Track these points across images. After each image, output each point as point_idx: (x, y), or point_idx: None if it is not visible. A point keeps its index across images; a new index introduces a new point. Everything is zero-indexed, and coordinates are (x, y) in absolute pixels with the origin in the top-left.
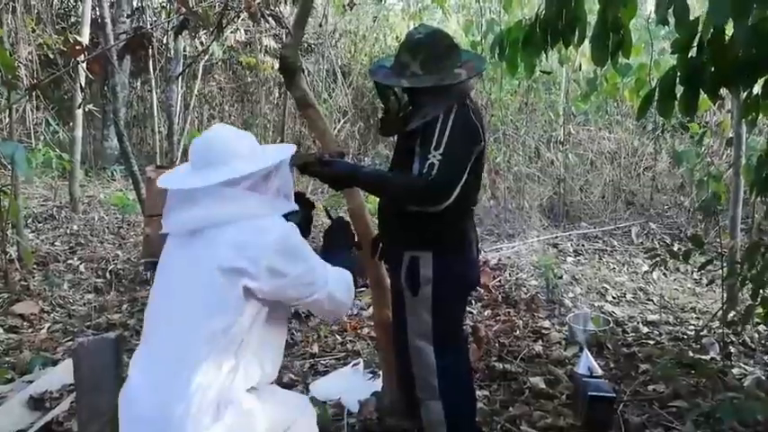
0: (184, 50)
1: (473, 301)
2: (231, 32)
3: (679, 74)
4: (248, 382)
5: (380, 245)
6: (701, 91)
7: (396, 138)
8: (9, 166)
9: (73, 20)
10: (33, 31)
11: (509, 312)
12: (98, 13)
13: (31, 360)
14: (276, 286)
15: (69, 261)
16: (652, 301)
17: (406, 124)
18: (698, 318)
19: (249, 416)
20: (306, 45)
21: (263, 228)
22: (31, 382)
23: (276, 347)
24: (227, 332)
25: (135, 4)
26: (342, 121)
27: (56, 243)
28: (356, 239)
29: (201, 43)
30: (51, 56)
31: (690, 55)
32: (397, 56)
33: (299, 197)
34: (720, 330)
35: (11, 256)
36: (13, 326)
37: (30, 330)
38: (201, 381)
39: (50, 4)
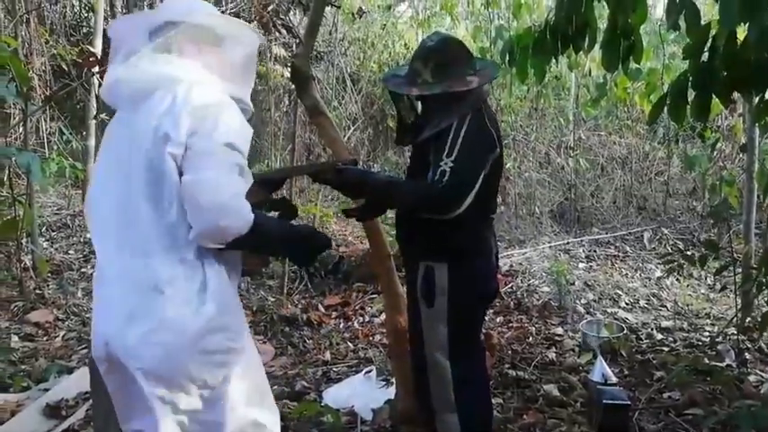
0: None
1: (485, 313)
2: None
3: (691, 79)
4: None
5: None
6: (713, 95)
7: (411, 147)
8: (24, 176)
9: (85, 30)
10: (47, 42)
11: (521, 319)
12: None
13: (46, 368)
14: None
15: (83, 269)
16: (666, 307)
17: (420, 133)
18: (713, 324)
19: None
20: (316, 53)
21: (201, 92)
22: (46, 390)
23: None
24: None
25: None
26: (352, 129)
27: (69, 251)
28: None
29: None
30: (65, 67)
31: (701, 60)
32: (410, 64)
33: (283, 202)
34: (736, 337)
35: (25, 264)
36: (28, 334)
37: (45, 338)
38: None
39: (64, 15)
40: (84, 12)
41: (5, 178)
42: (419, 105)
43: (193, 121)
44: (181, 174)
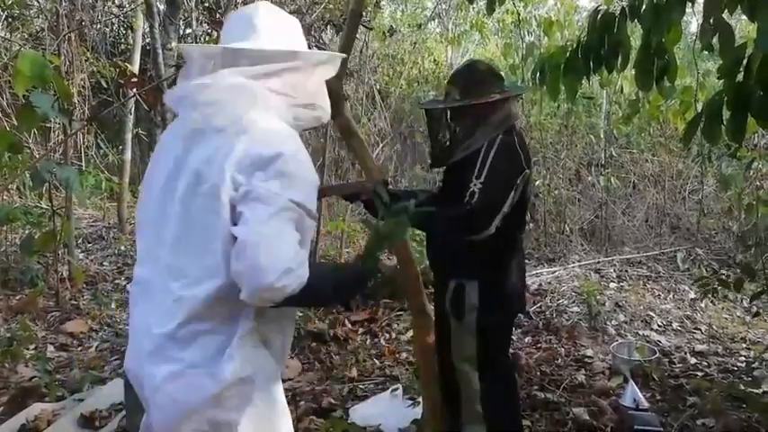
0: None
1: (513, 328)
2: None
3: (726, 98)
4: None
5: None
6: (749, 115)
7: (443, 169)
8: (63, 189)
9: (122, 47)
10: (87, 59)
11: (550, 340)
12: (149, 42)
13: (81, 378)
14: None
15: (117, 281)
16: (700, 330)
17: (452, 156)
18: (749, 348)
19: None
20: (346, 70)
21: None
22: (81, 400)
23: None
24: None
25: (181, 32)
26: (381, 145)
27: (104, 263)
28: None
29: None
30: (104, 83)
31: (736, 80)
32: (446, 89)
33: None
34: None
35: (62, 275)
36: (63, 344)
37: (79, 348)
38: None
39: (104, 33)
40: (122, 30)
41: (45, 191)
42: (451, 128)
43: (260, 171)
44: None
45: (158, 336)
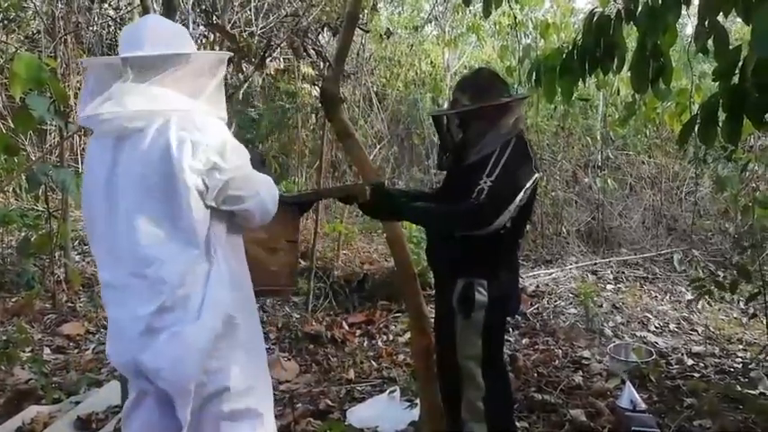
0: (226, 79)
1: (510, 329)
2: (270, 61)
3: (722, 101)
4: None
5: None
6: (745, 118)
7: (445, 173)
8: (59, 191)
9: (118, 50)
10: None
11: (547, 341)
12: None
13: (77, 381)
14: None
15: None
16: (696, 331)
17: (459, 159)
18: (745, 350)
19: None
20: (344, 73)
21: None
22: (78, 402)
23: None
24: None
25: None
26: (378, 147)
27: None
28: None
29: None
30: None
31: (732, 82)
32: (452, 95)
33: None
34: None
35: (58, 277)
36: (60, 346)
37: (76, 351)
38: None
39: (100, 36)
40: (119, 32)
41: (41, 194)
42: (459, 132)
43: (211, 156)
44: (199, 192)
45: (145, 316)
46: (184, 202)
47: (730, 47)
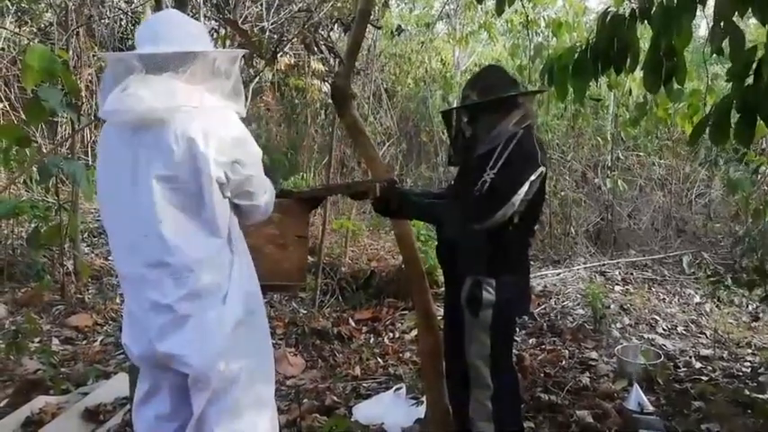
0: None
1: (518, 329)
2: (281, 56)
3: (735, 102)
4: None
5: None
6: (758, 118)
7: (456, 170)
8: (69, 183)
9: (130, 42)
10: (95, 55)
11: (555, 342)
12: None
13: (85, 372)
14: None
15: None
16: (705, 334)
17: (468, 154)
18: (754, 354)
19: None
20: (354, 69)
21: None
22: (85, 393)
23: None
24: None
25: None
26: (387, 144)
27: (109, 257)
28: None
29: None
30: None
31: (746, 83)
32: (462, 93)
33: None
34: None
35: (67, 269)
36: (68, 337)
37: (84, 342)
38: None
39: (112, 29)
40: (131, 25)
41: (52, 185)
42: (468, 128)
43: (235, 150)
44: (220, 184)
45: (169, 304)
46: (207, 194)
47: (745, 48)
